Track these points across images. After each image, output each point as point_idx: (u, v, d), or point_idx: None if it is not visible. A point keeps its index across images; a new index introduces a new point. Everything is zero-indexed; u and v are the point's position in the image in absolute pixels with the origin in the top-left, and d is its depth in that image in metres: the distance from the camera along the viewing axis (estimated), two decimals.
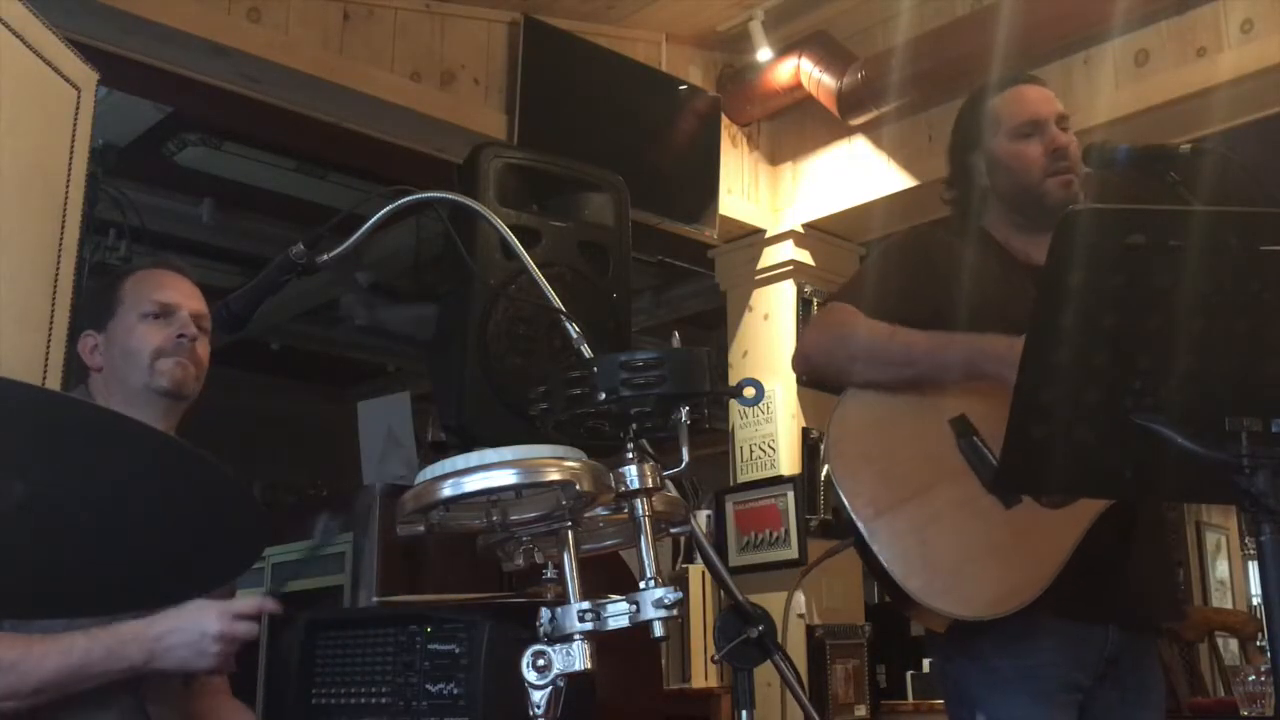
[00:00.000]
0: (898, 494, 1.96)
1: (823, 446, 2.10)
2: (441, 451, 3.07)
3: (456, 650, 2.36)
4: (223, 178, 5.01)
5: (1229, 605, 6.88)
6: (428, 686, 2.36)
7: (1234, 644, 5.35)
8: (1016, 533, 1.92)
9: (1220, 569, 7.02)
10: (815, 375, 2.15)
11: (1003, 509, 1.92)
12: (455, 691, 2.33)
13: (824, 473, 4.22)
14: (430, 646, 2.40)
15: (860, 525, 1.95)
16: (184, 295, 2.10)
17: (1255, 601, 7.88)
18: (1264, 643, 5.58)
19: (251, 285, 1.81)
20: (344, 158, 4.39)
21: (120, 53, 3.10)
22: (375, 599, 2.88)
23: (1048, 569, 1.90)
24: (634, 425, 1.39)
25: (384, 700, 2.36)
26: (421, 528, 1.36)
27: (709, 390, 1.37)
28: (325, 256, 1.76)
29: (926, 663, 4.85)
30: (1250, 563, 7.82)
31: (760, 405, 4.44)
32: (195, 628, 1.78)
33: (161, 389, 2.03)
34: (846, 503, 1.97)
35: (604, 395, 1.34)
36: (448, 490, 1.29)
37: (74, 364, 2.11)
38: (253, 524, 1.16)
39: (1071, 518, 1.93)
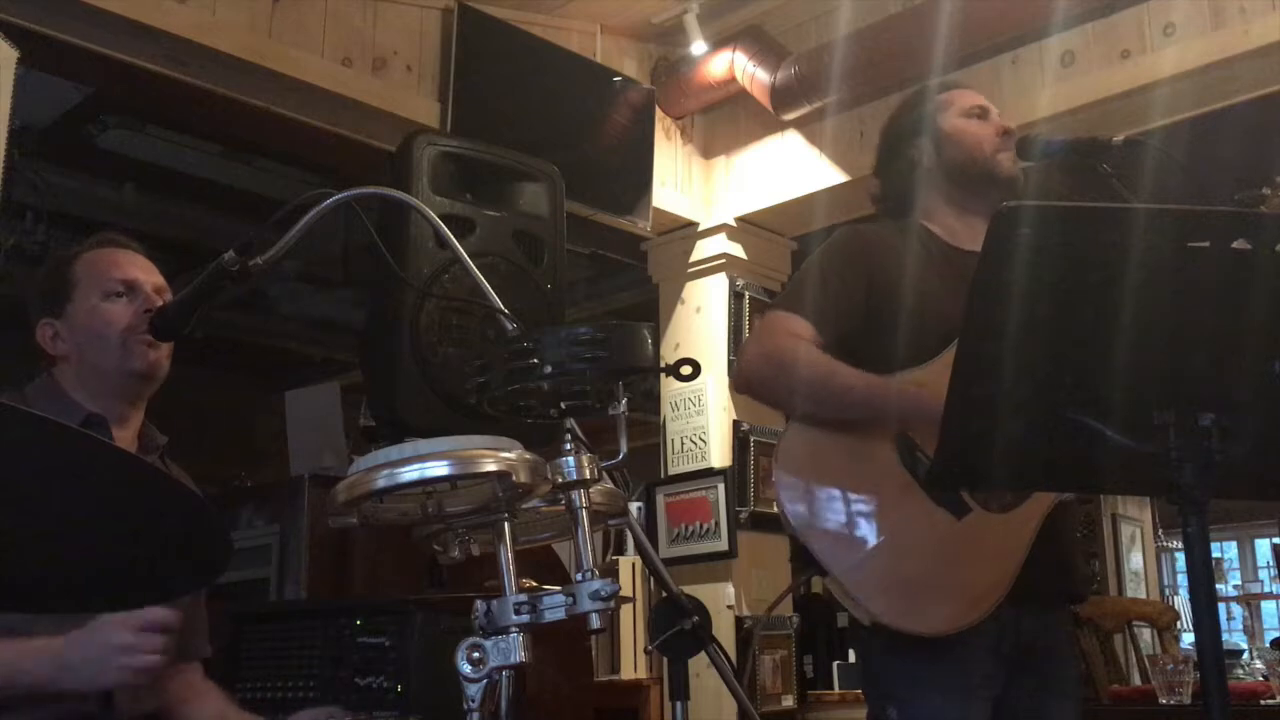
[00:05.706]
0: (850, 518, 1.98)
1: (773, 480, 2.12)
2: (372, 437, 3.04)
3: (387, 643, 2.34)
4: (145, 161, 4.88)
5: (1143, 595, 7.04)
6: (357, 680, 2.33)
7: (1148, 633, 5.49)
8: (970, 543, 1.94)
9: (1135, 560, 7.19)
10: (755, 399, 2.17)
11: (954, 521, 1.94)
12: (385, 684, 2.31)
13: (775, 506, 4.24)
14: (360, 640, 2.37)
15: (817, 553, 1.96)
16: (143, 271, 2.06)
17: (1167, 592, 8.10)
18: (1180, 631, 5.74)
19: (185, 294, 1.74)
20: (272, 143, 4.30)
21: (41, 31, 3.01)
22: None
23: (1005, 575, 1.92)
24: (562, 403, 1.38)
25: (312, 694, 2.33)
26: (354, 519, 1.34)
27: (652, 365, 1.37)
28: (258, 260, 1.71)
29: (852, 654, 4.90)
30: (1164, 555, 8.03)
31: (691, 398, 4.44)
32: (101, 642, 1.69)
33: (135, 371, 1.99)
34: (801, 533, 1.98)
35: (550, 369, 1.34)
36: (382, 481, 1.28)
37: (33, 354, 2.04)
38: (212, 539, 1.13)
39: (1020, 521, 1.95)
